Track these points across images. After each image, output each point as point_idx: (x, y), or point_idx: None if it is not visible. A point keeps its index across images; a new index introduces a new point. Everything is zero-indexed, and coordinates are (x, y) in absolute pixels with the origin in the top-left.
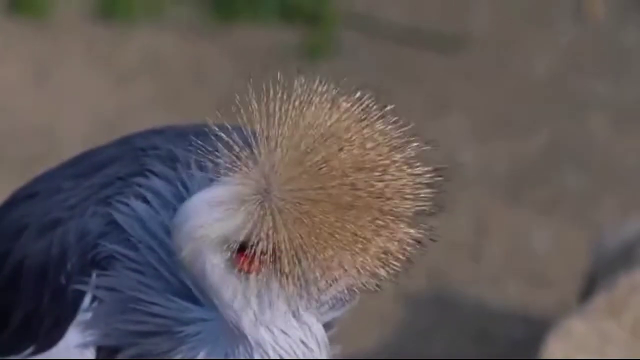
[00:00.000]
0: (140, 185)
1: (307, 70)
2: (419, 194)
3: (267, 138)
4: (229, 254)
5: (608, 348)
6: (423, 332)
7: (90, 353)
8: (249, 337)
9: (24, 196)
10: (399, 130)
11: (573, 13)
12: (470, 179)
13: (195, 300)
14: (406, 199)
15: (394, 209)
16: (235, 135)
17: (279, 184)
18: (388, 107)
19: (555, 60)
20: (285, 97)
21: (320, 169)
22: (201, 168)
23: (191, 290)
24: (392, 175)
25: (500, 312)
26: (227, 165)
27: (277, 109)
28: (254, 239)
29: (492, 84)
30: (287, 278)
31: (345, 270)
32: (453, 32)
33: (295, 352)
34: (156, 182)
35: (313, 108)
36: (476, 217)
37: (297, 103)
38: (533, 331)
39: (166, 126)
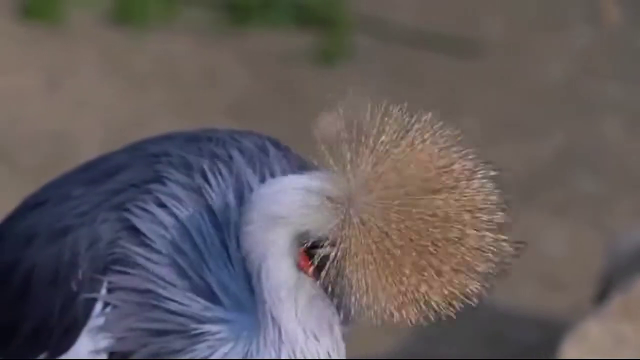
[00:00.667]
0: (157, 191)
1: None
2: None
3: (371, 150)
4: (298, 246)
5: (623, 351)
6: (436, 336)
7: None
8: (284, 333)
9: (34, 204)
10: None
11: (587, 17)
12: None
13: (216, 301)
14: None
15: (473, 253)
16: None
17: (369, 198)
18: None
19: (569, 64)
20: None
21: (414, 201)
22: (216, 175)
23: (213, 291)
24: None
25: (514, 315)
26: (321, 163)
27: (391, 130)
28: (327, 241)
29: (506, 88)
30: (348, 294)
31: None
32: (467, 36)
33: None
34: (173, 189)
35: (423, 145)
36: None
37: (412, 137)
38: (547, 334)
39: (177, 132)
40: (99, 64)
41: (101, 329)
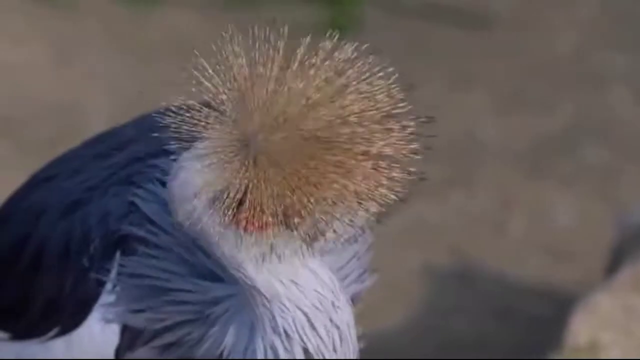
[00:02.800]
0: (159, 167)
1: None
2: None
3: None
4: (224, 210)
5: (634, 323)
6: (445, 309)
7: (114, 335)
8: (264, 293)
9: (42, 179)
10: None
11: None
12: (493, 154)
13: (216, 278)
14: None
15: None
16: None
17: (258, 134)
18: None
19: (577, 35)
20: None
21: (302, 119)
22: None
23: (211, 269)
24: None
25: (524, 287)
26: (205, 124)
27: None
28: (237, 191)
29: (515, 60)
30: (280, 225)
31: (335, 205)
32: (476, 9)
33: (311, 301)
34: (175, 163)
35: (304, 67)
36: (498, 192)
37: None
38: (556, 307)
39: (182, 104)
40: (106, 38)
41: (113, 304)
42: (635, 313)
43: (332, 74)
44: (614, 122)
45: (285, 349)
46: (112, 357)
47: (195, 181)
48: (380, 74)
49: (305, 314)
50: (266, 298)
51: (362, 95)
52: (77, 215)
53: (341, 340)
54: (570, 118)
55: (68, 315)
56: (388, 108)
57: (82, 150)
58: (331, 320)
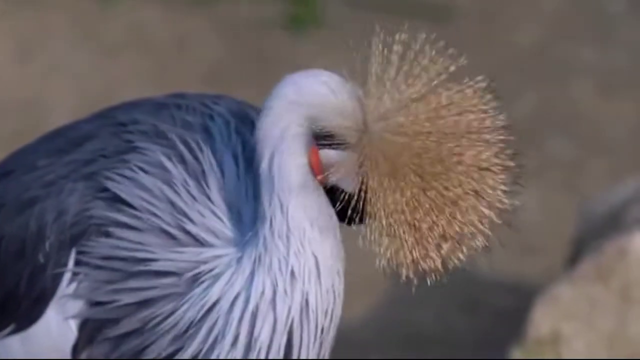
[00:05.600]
0: (134, 160)
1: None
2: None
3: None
4: (311, 133)
5: (596, 313)
6: (411, 301)
7: (71, 331)
8: (291, 221)
9: None
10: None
11: None
12: None
13: (206, 244)
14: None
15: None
16: None
17: (395, 120)
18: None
19: (540, 28)
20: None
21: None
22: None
23: (199, 238)
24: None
25: (488, 280)
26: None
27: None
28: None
29: (478, 52)
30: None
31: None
32: (439, 2)
33: (324, 255)
34: (153, 156)
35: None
36: None
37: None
38: (521, 299)
39: (143, 99)
40: (70, 32)
41: (72, 297)
42: (597, 304)
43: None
44: (578, 115)
45: (285, 291)
46: (69, 353)
47: (284, 120)
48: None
49: (317, 263)
50: (289, 228)
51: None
52: (34, 211)
53: (334, 309)
54: (533, 111)
55: (24, 312)
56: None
57: (39, 146)
58: (333, 285)
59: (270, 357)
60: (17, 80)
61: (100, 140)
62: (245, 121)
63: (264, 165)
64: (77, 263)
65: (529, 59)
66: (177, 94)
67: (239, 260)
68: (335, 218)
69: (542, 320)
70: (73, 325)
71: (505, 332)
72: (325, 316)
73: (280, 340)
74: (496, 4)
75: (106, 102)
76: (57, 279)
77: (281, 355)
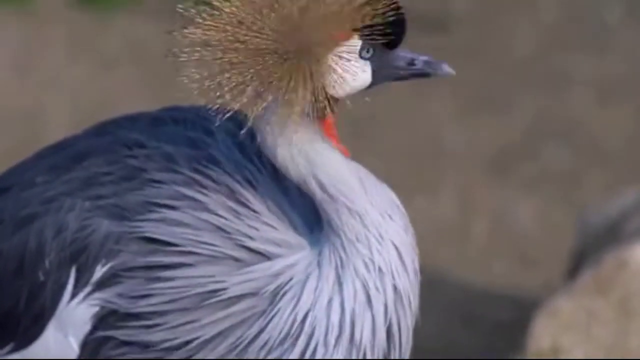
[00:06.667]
0: (153, 199)
1: None
2: None
3: None
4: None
5: (595, 326)
6: None
7: (71, 349)
8: (366, 219)
9: None
10: None
11: None
12: (455, 159)
13: (270, 256)
14: None
15: None
16: None
17: None
18: None
19: (538, 37)
20: None
21: None
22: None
23: (263, 251)
24: None
25: (487, 293)
26: None
27: None
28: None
29: (476, 62)
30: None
31: None
32: (436, 12)
33: (401, 239)
34: (172, 189)
35: None
36: (461, 197)
37: None
38: (521, 312)
39: (138, 113)
40: (66, 46)
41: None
42: (596, 316)
43: None
44: (576, 125)
45: (377, 288)
46: None
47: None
48: None
49: (397, 250)
50: (365, 226)
51: None
52: (33, 228)
53: (417, 289)
54: (532, 121)
55: (23, 330)
56: None
57: (37, 161)
58: (413, 262)
59: (374, 353)
60: (15, 93)
61: (100, 159)
62: (243, 128)
63: (318, 194)
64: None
65: (526, 68)
66: (172, 107)
67: (319, 264)
68: (388, 189)
69: (542, 332)
70: (74, 344)
71: (505, 345)
72: (414, 297)
73: (381, 335)
74: (493, 14)
75: (103, 115)
76: (56, 297)
77: (383, 348)
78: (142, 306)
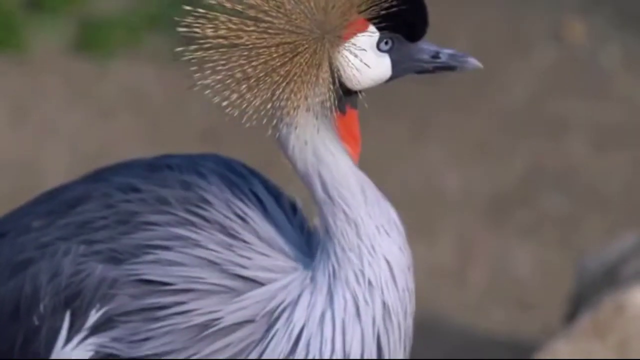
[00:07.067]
0: (145, 241)
1: None
2: None
3: None
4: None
5: None
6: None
7: None
8: (361, 229)
9: None
10: None
11: (551, 36)
12: (453, 205)
13: (264, 282)
14: None
15: None
16: None
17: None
18: None
19: (534, 83)
20: None
21: None
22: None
23: (257, 278)
24: None
25: (486, 338)
26: None
27: None
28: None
29: (472, 109)
30: None
31: None
32: None
33: (395, 255)
34: (165, 231)
35: None
36: (459, 243)
37: None
38: (520, 356)
39: (133, 160)
40: (64, 93)
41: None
42: (595, 359)
43: None
44: (573, 170)
45: (366, 301)
46: None
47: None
48: None
49: (390, 266)
50: (359, 237)
51: None
52: (28, 273)
53: (410, 306)
54: (528, 167)
55: None
56: None
57: (33, 207)
58: (406, 283)
59: None
60: (12, 141)
61: (95, 204)
62: (234, 171)
63: (319, 193)
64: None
65: (522, 114)
66: (165, 155)
67: (313, 278)
68: (390, 206)
69: None
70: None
71: None
72: (405, 316)
73: (371, 348)
74: (489, 60)
75: (101, 162)
76: (51, 341)
77: None
78: (143, 350)
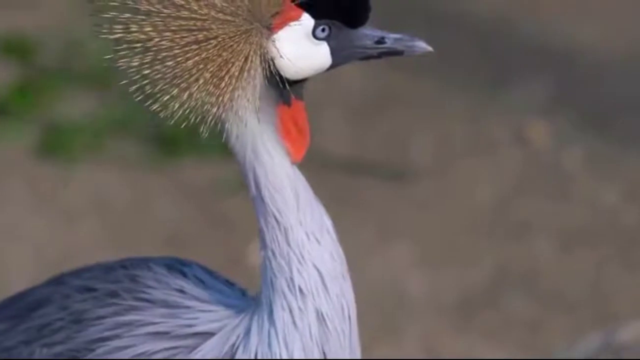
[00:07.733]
0: (91, 336)
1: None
2: None
3: None
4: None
5: None
6: None
7: None
8: (290, 237)
9: None
10: None
11: (515, 139)
12: (418, 307)
13: (215, 332)
14: None
15: None
16: None
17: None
18: None
19: (499, 185)
20: None
21: None
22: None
23: (207, 331)
24: None
25: None
26: None
27: None
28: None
29: (438, 212)
30: None
31: None
32: (397, 162)
33: (327, 264)
34: (110, 321)
35: None
36: (425, 346)
37: None
38: None
39: (94, 264)
40: (27, 198)
41: None
42: None
43: None
44: (538, 272)
45: (300, 309)
46: None
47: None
48: None
49: (320, 274)
50: (289, 245)
51: None
52: None
53: (349, 311)
54: (495, 269)
55: None
56: None
57: None
58: (341, 289)
59: None
60: None
61: (54, 307)
62: (183, 264)
63: (252, 190)
64: None
65: (487, 217)
66: (125, 258)
67: (259, 303)
68: (326, 215)
69: None
70: None
71: None
72: (344, 320)
73: (317, 356)
74: (453, 162)
75: (65, 267)
76: None
77: None
78: None
